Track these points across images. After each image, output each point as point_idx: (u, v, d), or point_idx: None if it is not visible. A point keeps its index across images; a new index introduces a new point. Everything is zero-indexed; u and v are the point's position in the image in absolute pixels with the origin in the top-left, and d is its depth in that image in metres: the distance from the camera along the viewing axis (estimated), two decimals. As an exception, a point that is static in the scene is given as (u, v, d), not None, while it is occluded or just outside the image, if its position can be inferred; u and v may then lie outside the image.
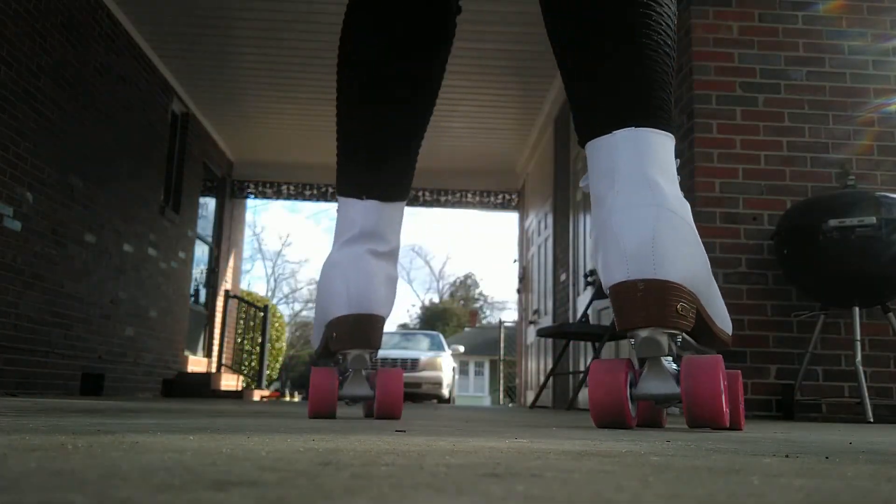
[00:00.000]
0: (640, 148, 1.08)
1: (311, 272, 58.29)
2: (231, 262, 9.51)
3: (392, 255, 1.40)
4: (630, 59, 1.14)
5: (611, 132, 1.12)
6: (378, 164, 1.37)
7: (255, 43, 6.16)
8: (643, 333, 1.03)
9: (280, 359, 14.63)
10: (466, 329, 32.13)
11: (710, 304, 1.07)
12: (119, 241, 5.88)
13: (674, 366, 1.04)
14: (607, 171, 1.10)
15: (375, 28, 1.31)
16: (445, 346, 13.92)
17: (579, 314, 4.92)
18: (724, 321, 1.11)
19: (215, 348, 8.92)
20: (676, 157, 1.16)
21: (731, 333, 1.18)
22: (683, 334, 1.04)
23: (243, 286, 14.69)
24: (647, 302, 1.01)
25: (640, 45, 1.14)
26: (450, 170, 9.17)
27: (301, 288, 43.81)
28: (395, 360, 12.26)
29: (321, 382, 1.32)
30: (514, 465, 0.59)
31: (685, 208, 1.08)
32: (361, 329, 1.32)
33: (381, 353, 12.32)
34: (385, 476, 0.49)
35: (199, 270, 8.46)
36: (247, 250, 34.95)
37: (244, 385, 9.26)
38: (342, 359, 1.39)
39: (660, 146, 1.10)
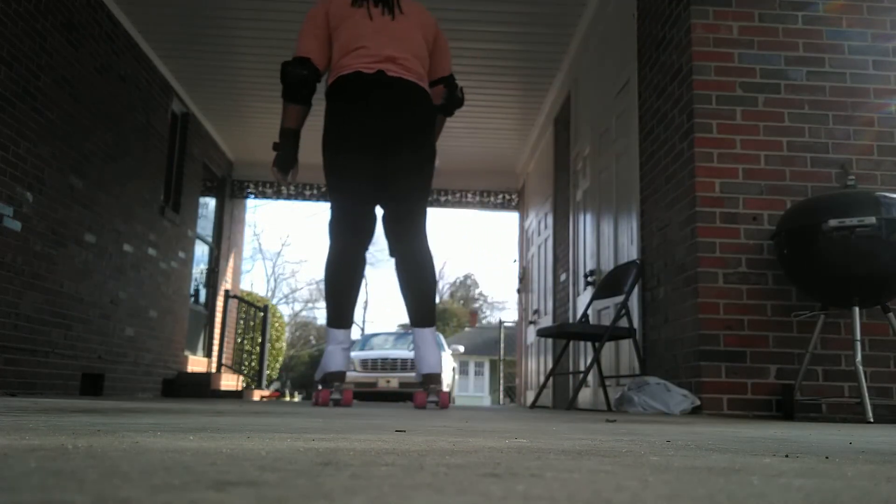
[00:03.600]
0: (431, 334, 3.24)
1: (310, 273, 58.29)
2: (231, 262, 9.50)
3: (350, 346, 3.37)
4: (429, 305, 3.24)
5: (423, 328, 3.22)
6: (347, 312, 3.29)
7: (255, 43, 6.15)
8: (432, 386, 3.22)
9: (280, 359, 14.62)
10: (466, 329, 32.11)
11: (443, 375, 3.70)
12: (119, 241, 5.88)
13: (435, 395, 3.26)
14: (422, 339, 3.22)
15: (349, 258, 3.27)
16: (445, 346, 13.92)
17: (579, 314, 4.91)
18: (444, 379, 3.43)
19: (215, 348, 8.91)
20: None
21: (441, 379, 3.29)
22: (441, 385, 3.27)
23: (243, 286, 14.67)
24: (432, 378, 3.22)
25: (432, 298, 3.26)
26: (450, 170, 9.15)
27: (301, 288, 43.80)
28: (394, 359, 12.26)
29: (326, 394, 3.21)
30: (514, 465, 0.59)
31: (441, 349, 3.85)
32: (339, 376, 3.27)
33: (382, 353, 12.36)
34: (385, 476, 0.49)
35: (199, 270, 8.45)
36: (247, 250, 34.92)
37: (244, 385, 9.25)
38: (332, 384, 3.25)
39: (433, 332, 3.25)
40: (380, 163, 3.20)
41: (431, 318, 3.23)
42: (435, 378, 3.18)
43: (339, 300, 3.22)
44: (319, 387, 3.32)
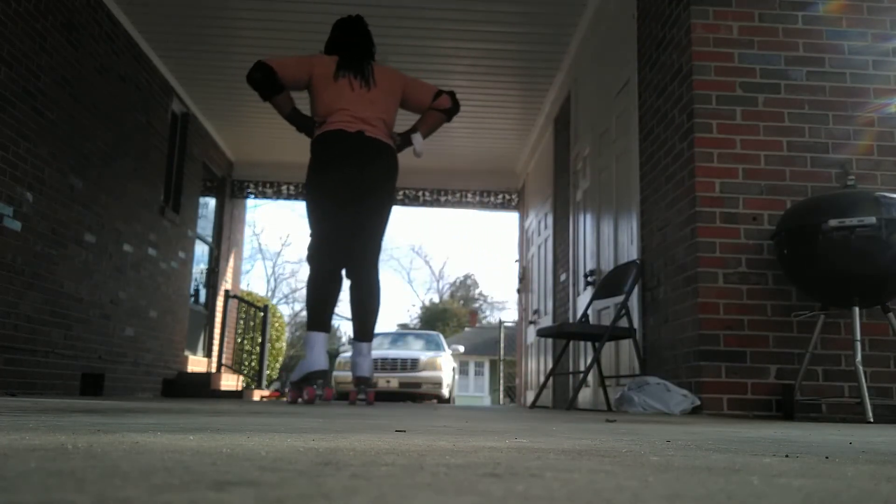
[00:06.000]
0: (367, 348, 3.99)
1: (311, 272, 58.17)
2: (231, 262, 9.50)
3: (326, 347, 3.89)
4: (370, 325, 4.00)
5: (362, 342, 3.99)
6: (326, 319, 3.92)
7: (255, 43, 6.15)
8: (362, 387, 4.03)
9: (280, 359, 14.60)
10: (466, 329, 32.08)
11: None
12: (119, 241, 5.88)
13: (364, 394, 4.08)
14: (359, 350, 3.98)
15: (329, 277, 3.94)
16: (445, 346, 13.91)
17: (579, 314, 4.91)
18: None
19: (215, 348, 8.91)
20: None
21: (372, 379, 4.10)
22: (370, 386, 4.09)
23: (243, 286, 14.66)
24: (363, 381, 3.98)
25: (374, 320, 4.02)
26: (450, 170, 9.16)
27: (301, 288, 43.72)
28: (394, 359, 12.25)
29: (311, 391, 3.85)
30: (514, 465, 0.59)
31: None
32: (319, 374, 3.87)
33: (382, 353, 12.35)
34: (385, 476, 0.49)
35: (199, 270, 8.45)
36: (247, 250, 34.86)
37: (244, 385, 9.25)
38: (315, 381, 3.88)
39: (370, 346, 4.02)
40: (353, 203, 3.93)
41: (370, 335, 4.05)
42: (365, 381, 4.00)
43: (319, 309, 3.92)
44: (299, 386, 3.96)
